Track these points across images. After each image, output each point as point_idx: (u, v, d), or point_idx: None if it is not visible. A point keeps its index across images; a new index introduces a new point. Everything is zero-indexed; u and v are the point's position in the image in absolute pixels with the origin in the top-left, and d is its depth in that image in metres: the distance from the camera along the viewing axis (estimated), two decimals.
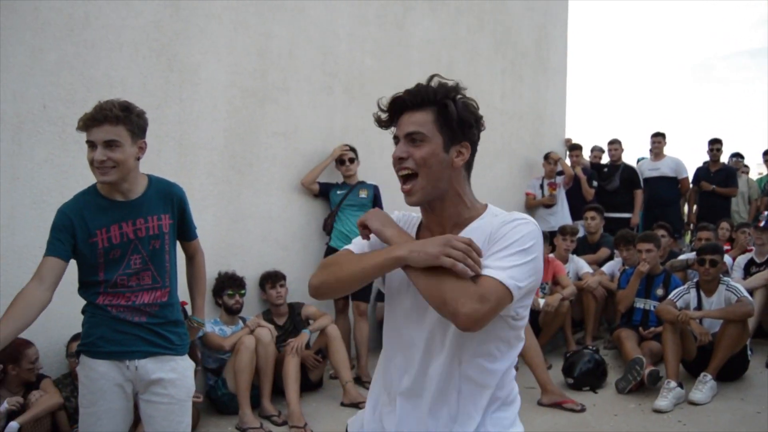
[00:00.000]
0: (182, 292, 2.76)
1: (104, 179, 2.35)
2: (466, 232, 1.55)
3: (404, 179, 1.58)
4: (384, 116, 1.61)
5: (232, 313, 4.61)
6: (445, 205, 1.59)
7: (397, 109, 1.59)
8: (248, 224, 4.95)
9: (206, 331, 2.93)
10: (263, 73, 4.99)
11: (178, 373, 2.53)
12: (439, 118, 1.54)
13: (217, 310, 4.68)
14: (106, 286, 2.41)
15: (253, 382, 4.41)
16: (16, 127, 3.77)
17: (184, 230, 2.66)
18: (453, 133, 1.55)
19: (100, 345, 2.44)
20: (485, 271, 1.43)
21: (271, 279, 4.84)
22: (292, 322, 4.89)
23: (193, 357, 4.20)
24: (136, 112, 2.38)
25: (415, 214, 1.73)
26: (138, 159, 2.42)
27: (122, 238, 2.41)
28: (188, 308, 3.10)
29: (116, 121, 2.30)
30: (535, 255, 1.48)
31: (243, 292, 4.67)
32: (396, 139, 1.60)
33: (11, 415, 3.48)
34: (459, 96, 1.57)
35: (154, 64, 4.33)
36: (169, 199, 2.53)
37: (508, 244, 1.47)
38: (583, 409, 4.47)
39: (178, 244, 2.68)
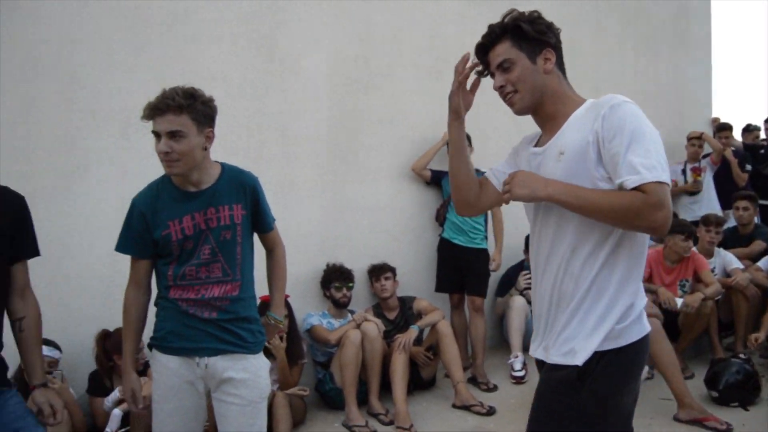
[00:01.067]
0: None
1: (171, 172, 2.25)
2: (567, 125, 1.77)
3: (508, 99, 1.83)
4: (479, 66, 1.88)
5: (339, 306, 4.50)
6: (545, 106, 1.83)
7: (483, 54, 1.85)
8: (356, 215, 4.81)
9: (283, 327, 2.78)
10: (366, 60, 4.84)
11: (250, 373, 2.36)
12: (516, 41, 1.78)
13: (325, 303, 4.59)
14: (175, 278, 2.32)
15: (362, 378, 4.26)
16: (123, 122, 3.88)
17: (259, 221, 2.47)
18: (532, 46, 1.78)
19: (170, 340, 2.35)
20: (639, 178, 1.57)
21: (377, 272, 4.67)
22: (403, 316, 4.69)
23: (298, 350, 4.15)
24: (201, 100, 2.22)
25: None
26: (205, 149, 2.28)
27: (195, 228, 2.30)
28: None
29: (179, 110, 2.16)
30: (650, 129, 1.63)
31: (351, 285, 4.53)
32: (492, 75, 1.85)
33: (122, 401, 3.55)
34: (524, 16, 1.79)
35: (254, 56, 4.31)
36: (241, 189, 2.37)
37: (631, 134, 1.60)
38: (729, 429, 3.82)
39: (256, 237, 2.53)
